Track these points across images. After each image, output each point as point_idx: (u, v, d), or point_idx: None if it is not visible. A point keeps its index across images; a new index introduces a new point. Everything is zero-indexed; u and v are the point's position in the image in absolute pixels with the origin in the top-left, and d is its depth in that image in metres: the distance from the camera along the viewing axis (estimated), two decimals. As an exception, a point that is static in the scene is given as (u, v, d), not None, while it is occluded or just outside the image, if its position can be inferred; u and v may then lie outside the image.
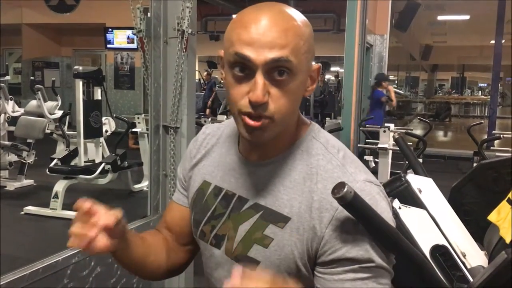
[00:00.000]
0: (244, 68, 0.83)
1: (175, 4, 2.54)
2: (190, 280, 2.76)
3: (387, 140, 4.86)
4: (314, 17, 13.29)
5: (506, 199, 1.23)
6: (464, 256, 1.20)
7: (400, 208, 1.05)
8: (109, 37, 10.22)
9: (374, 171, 5.36)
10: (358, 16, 7.45)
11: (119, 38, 10.05)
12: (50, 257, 1.99)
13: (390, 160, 4.92)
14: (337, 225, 0.84)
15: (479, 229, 1.41)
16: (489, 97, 13.43)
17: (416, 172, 1.50)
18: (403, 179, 1.30)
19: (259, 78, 0.81)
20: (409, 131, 5.30)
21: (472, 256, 1.23)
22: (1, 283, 1.71)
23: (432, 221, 1.10)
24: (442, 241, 1.06)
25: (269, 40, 0.81)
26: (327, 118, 9.63)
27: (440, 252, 1.03)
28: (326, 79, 14.15)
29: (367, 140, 5.71)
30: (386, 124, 5.07)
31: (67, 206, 4.72)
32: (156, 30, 2.56)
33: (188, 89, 2.64)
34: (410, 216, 1.05)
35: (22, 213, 4.73)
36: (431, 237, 1.05)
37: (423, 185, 1.32)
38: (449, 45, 19.04)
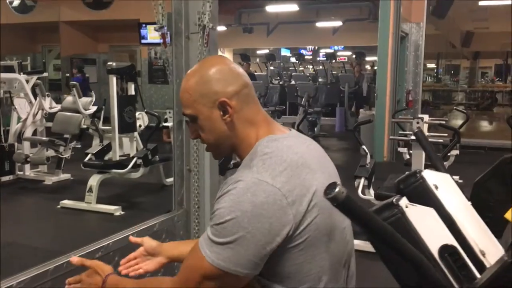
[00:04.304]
0: None
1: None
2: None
3: (420, 131, 4.73)
4: (350, 6, 13.09)
5: (524, 196, 1.16)
6: (484, 255, 1.15)
7: (407, 206, 1.01)
8: (143, 33, 10.34)
9: (408, 163, 5.22)
10: (392, 5, 7.28)
11: (153, 33, 10.14)
12: (74, 251, 2.04)
13: (424, 152, 4.78)
14: (220, 193, 1.11)
15: (503, 226, 1.34)
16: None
17: (435, 167, 1.45)
18: (418, 175, 1.25)
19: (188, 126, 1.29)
20: (442, 122, 5.13)
21: (492, 254, 1.17)
22: (25, 277, 1.76)
23: (441, 220, 1.05)
24: (451, 241, 1.01)
25: (180, 99, 1.24)
26: (361, 110, 9.47)
27: (448, 252, 0.98)
28: (362, 70, 13.93)
29: (400, 132, 5.58)
30: (419, 115, 4.93)
31: (101, 199, 4.83)
32: (178, 26, 2.57)
33: (210, 83, 2.63)
34: (417, 215, 1.01)
35: (59, 206, 4.87)
36: (440, 237, 1.00)
37: (439, 181, 1.27)
38: (492, 31, 18.33)
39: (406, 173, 1.30)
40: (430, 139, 4.75)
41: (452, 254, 0.98)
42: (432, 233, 1.00)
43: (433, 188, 1.23)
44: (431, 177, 1.26)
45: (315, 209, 1.09)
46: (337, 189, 0.74)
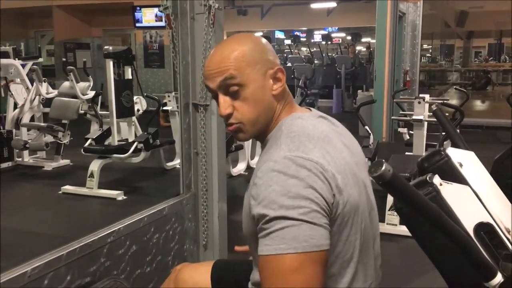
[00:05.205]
0: (214, 95, 1.17)
1: (201, -21, 2.48)
2: (225, 256, 2.77)
3: (422, 111, 4.72)
4: (344, -14, 12.96)
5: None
6: (509, 232, 1.14)
7: (441, 184, 0.99)
8: (138, 16, 10.23)
9: (409, 144, 5.23)
10: (390, -16, 7.21)
11: (147, 17, 10.04)
12: (86, 236, 2.01)
13: (425, 132, 4.78)
14: (252, 190, 1.05)
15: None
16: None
17: (456, 145, 1.43)
18: (442, 153, 1.23)
19: (220, 98, 1.15)
20: (445, 101, 5.13)
21: (517, 232, 1.17)
22: (39, 263, 1.74)
23: (476, 198, 1.03)
24: (487, 219, 1.00)
25: (216, 68, 1.13)
26: (358, 91, 9.44)
27: (485, 230, 0.97)
28: (357, 51, 13.87)
29: (401, 112, 5.56)
30: (421, 95, 4.91)
31: (102, 184, 4.81)
32: (183, 6, 2.51)
33: (216, 65, 2.59)
34: (452, 193, 0.99)
35: (60, 192, 4.84)
36: (475, 215, 0.99)
37: (464, 158, 1.25)
38: (486, 10, 18.27)
39: (429, 151, 1.29)
40: (430, 118, 4.76)
41: (488, 232, 0.97)
42: (467, 211, 0.99)
43: (458, 166, 1.22)
44: (456, 154, 1.25)
45: (348, 188, 1.07)
46: (383, 167, 0.72)
